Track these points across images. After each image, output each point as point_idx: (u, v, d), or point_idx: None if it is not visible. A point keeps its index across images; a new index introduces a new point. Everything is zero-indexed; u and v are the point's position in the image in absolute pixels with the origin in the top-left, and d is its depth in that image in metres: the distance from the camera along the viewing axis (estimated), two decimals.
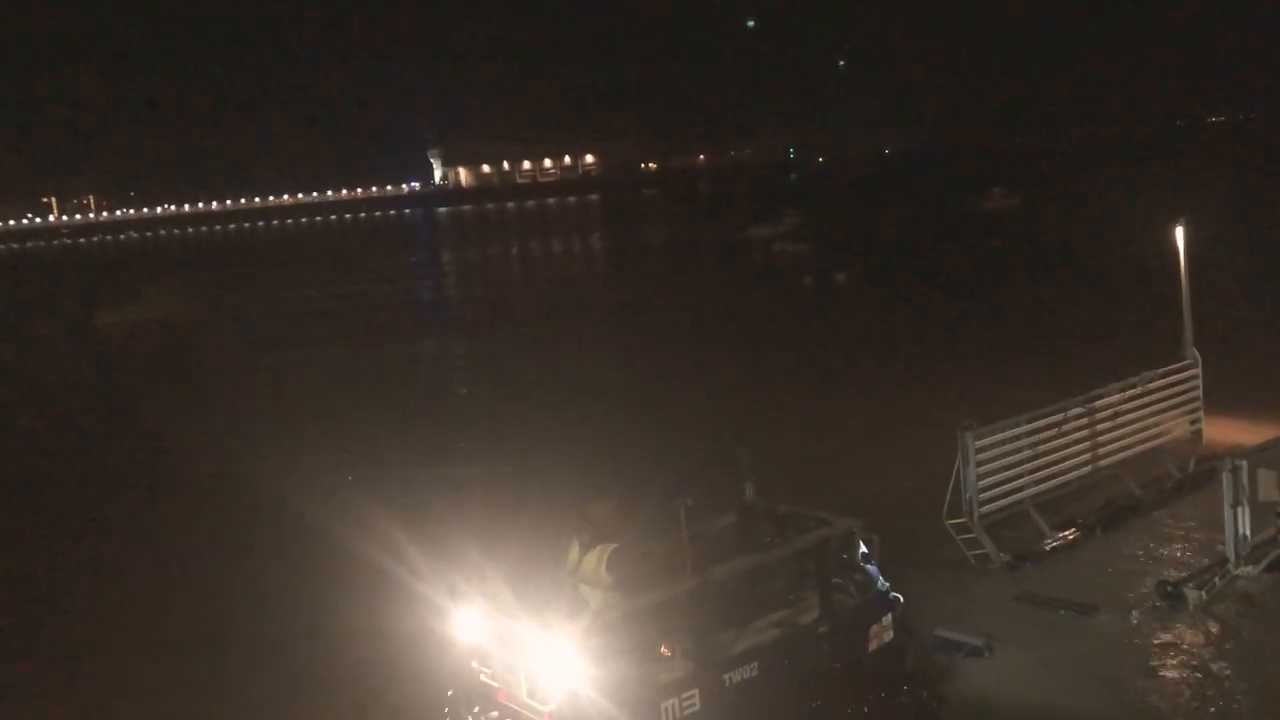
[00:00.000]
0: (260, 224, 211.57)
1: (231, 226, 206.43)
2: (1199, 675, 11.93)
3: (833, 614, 10.57)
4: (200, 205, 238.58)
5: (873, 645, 10.87)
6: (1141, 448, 17.28)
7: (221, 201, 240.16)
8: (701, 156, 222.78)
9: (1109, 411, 16.80)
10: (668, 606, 9.63)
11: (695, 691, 9.59)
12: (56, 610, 17.46)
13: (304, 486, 20.53)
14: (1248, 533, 13.27)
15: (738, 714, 9.75)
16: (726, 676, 9.80)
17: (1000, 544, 15.23)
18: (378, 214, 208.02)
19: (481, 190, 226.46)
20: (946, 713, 11.07)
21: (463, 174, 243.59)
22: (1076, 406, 16.37)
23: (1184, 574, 13.82)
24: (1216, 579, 13.27)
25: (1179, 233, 18.02)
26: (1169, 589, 13.41)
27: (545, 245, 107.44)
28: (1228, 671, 11.93)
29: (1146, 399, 17.40)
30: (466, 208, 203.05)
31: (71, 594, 18.09)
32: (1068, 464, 16.44)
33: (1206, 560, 14.17)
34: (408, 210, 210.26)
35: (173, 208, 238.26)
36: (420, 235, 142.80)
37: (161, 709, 13.54)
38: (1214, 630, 12.79)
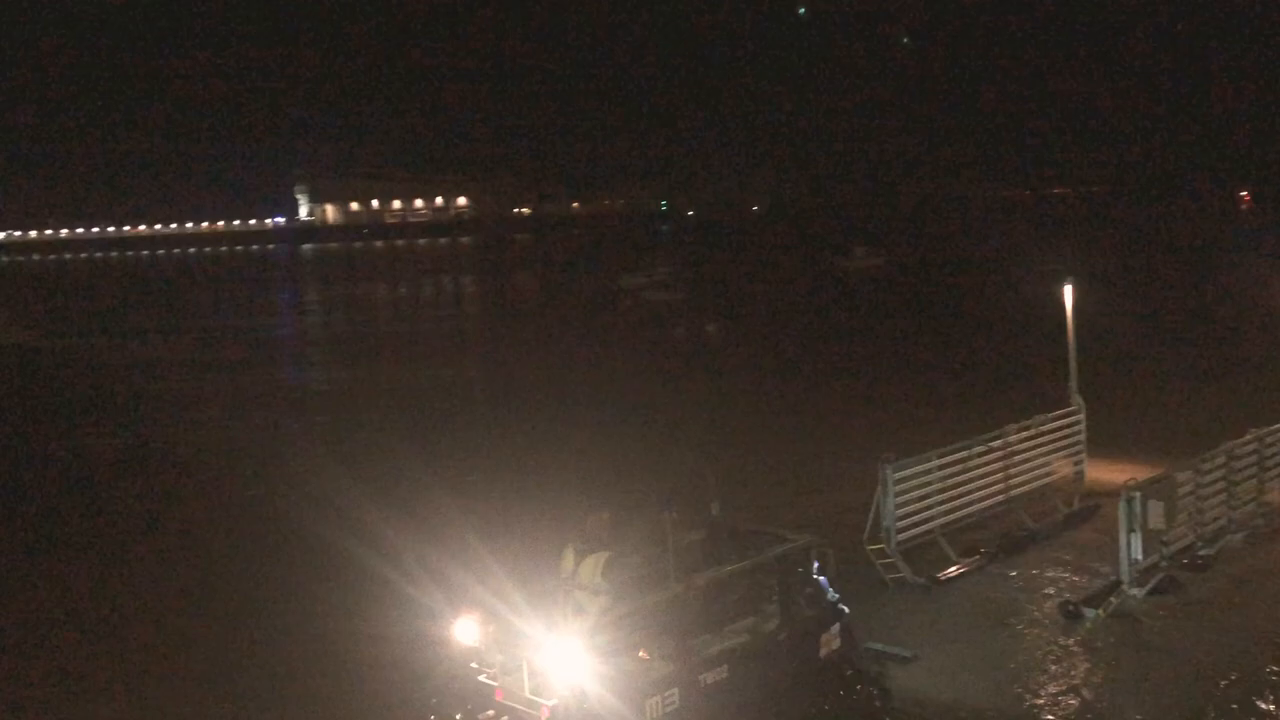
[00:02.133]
0: (115, 254, 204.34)
1: (83, 255, 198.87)
2: (1095, 680, 13.42)
3: (792, 622, 11.61)
4: (50, 232, 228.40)
5: (824, 651, 11.95)
6: (1034, 484, 18.96)
7: (72, 229, 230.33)
8: (575, 204, 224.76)
9: (1006, 451, 18.44)
10: (656, 610, 10.50)
11: (676, 690, 10.48)
12: None
13: None
14: (1139, 557, 14.89)
15: (711, 711, 10.66)
16: (702, 677, 10.72)
17: (913, 568, 16.59)
18: (238, 248, 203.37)
19: (349, 228, 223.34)
20: (887, 710, 12.17)
21: (330, 210, 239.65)
22: (980, 445, 17.95)
23: (1081, 595, 15.37)
24: (1112, 598, 14.84)
25: (1067, 291, 19.95)
26: (1070, 608, 14.93)
27: (412, 287, 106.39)
28: (1117, 676, 13.46)
29: (1038, 441, 19.13)
30: (333, 245, 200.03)
31: None
32: (971, 497, 17.97)
33: (1097, 583, 15.77)
34: (270, 246, 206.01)
35: (18, 234, 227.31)
36: (281, 271, 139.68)
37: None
38: (1109, 642, 14.34)
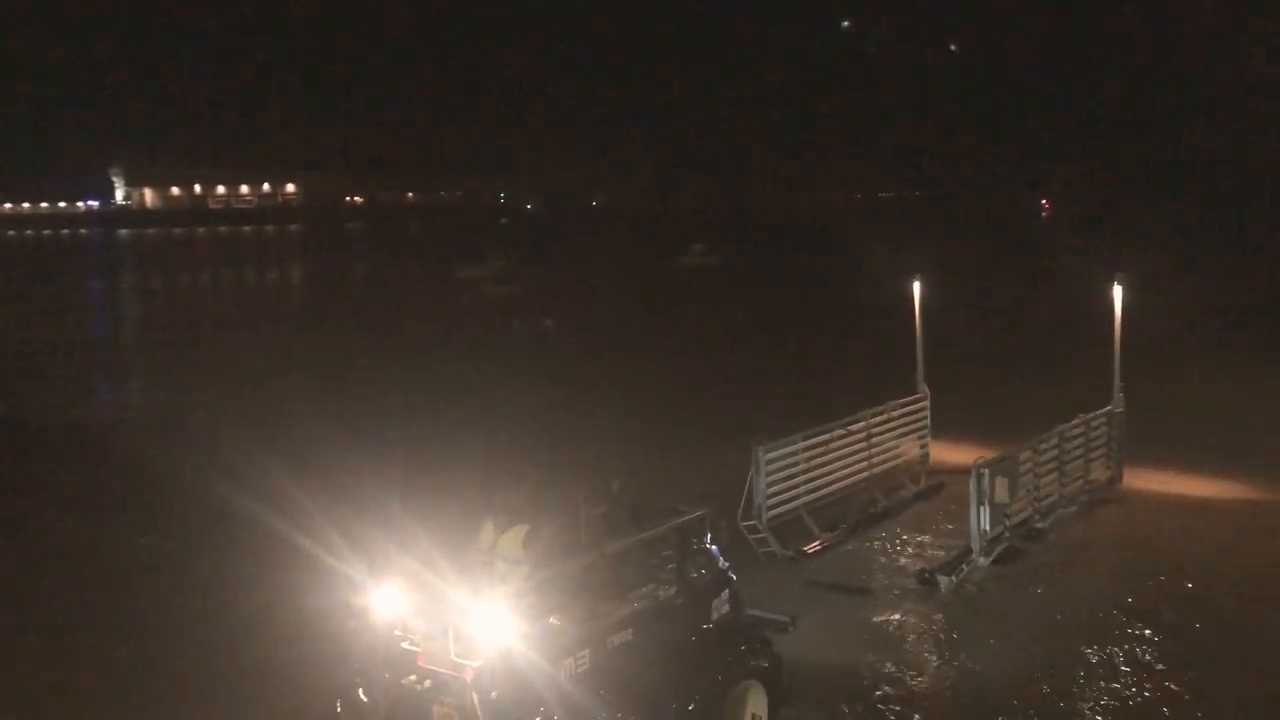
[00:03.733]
0: None
1: None
2: (952, 638, 14.88)
3: (688, 588, 12.49)
4: None
5: (715, 615, 12.88)
6: (887, 465, 20.49)
7: None
8: (410, 194, 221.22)
9: (864, 434, 19.89)
10: (570, 578, 11.19)
11: (587, 651, 11.20)
12: None
13: None
14: (986, 528, 16.44)
15: (618, 672, 11.43)
16: (610, 639, 11.48)
17: (781, 542, 17.79)
18: (47, 232, 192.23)
19: (169, 214, 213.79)
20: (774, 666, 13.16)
21: (149, 195, 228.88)
22: (841, 428, 19.33)
23: (935, 564, 16.84)
24: (964, 566, 16.34)
25: (915, 286, 21.59)
26: (926, 575, 16.36)
27: (236, 275, 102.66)
28: (969, 635, 14.93)
29: (890, 425, 20.67)
30: (151, 231, 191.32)
31: None
32: (831, 477, 19.32)
33: (948, 553, 17.30)
34: (84, 230, 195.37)
35: None
36: (96, 257, 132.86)
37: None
38: (962, 605, 15.84)
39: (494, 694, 10.53)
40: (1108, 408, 20.39)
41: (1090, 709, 12.86)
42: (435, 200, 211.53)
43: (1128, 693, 13.25)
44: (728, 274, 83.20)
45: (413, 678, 11.05)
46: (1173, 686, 13.30)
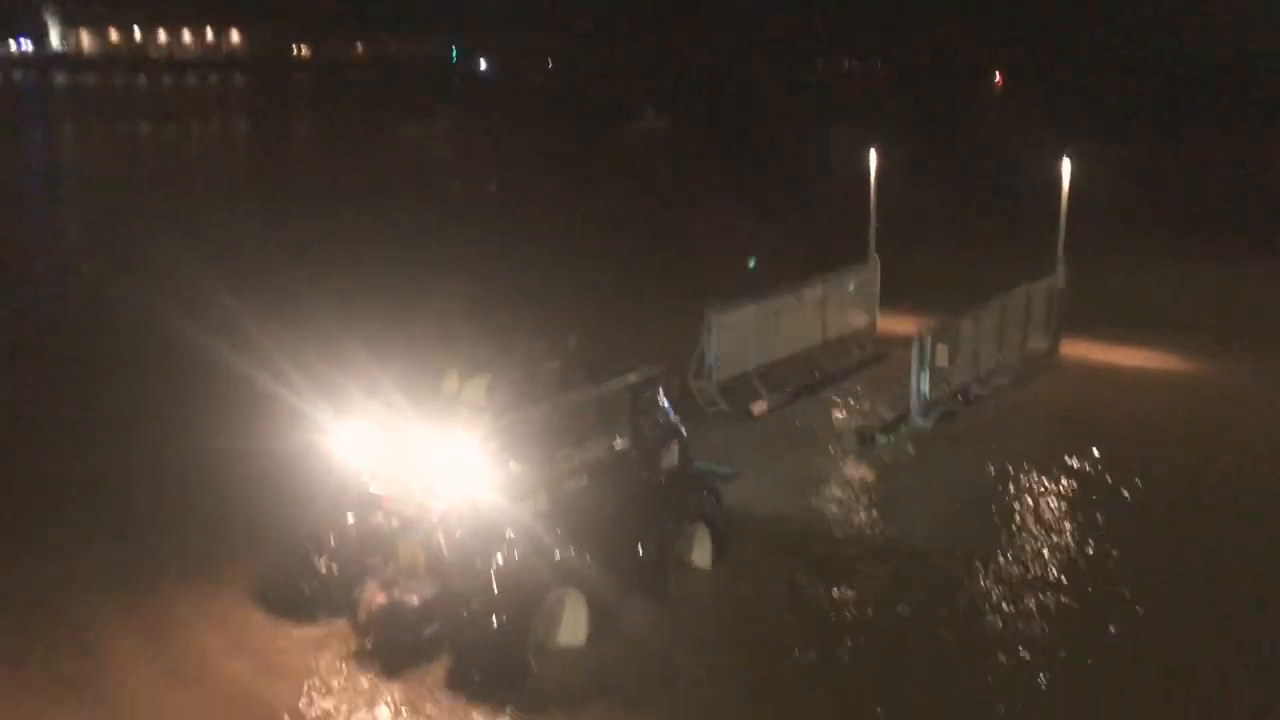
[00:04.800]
0: None
1: None
2: (885, 491, 15.91)
3: (640, 441, 13.12)
4: None
5: (665, 465, 13.57)
6: (834, 333, 21.14)
7: None
8: (359, 46, 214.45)
9: (813, 302, 20.47)
10: (530, 424, 11.74)
11: (544, 494, 11.84)
12: None
13: None
14: (926, 392, 17.21)
15: (573, 515, 12.09)
16: (565, 484, 12.11)
17: (730, 401, 18.50)
18: None
19: (107, 59, 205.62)
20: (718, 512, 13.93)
21: (85, 38, 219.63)
22: (792, 296, 19.89)
23: (875, 425, 17.66)
24: (902, 426, 17.17)
25: (871, 156, 21.91)
26: (865, 435, 17.18)
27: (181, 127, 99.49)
28: (901, 488, 15.98)
29: (839, 293, 21.24)
30: (89, 79, 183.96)
31: None
32: (781, 342, 19.95)
33: (888, 415, 18.12)
34: (17, 76, 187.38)
35: None
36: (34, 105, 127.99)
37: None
38: (897, 462, 16.78)
39: (459, 533, 11.17)
40: (1049, 279, 21.08)
41: (1007, 559, 13.84)
42: (384, 53, 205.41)
43: (1043, 544, 14.26)
44: (679, 140, 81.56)
45: (379, 518, 11.66)
46: (1090, 541, 14.34)
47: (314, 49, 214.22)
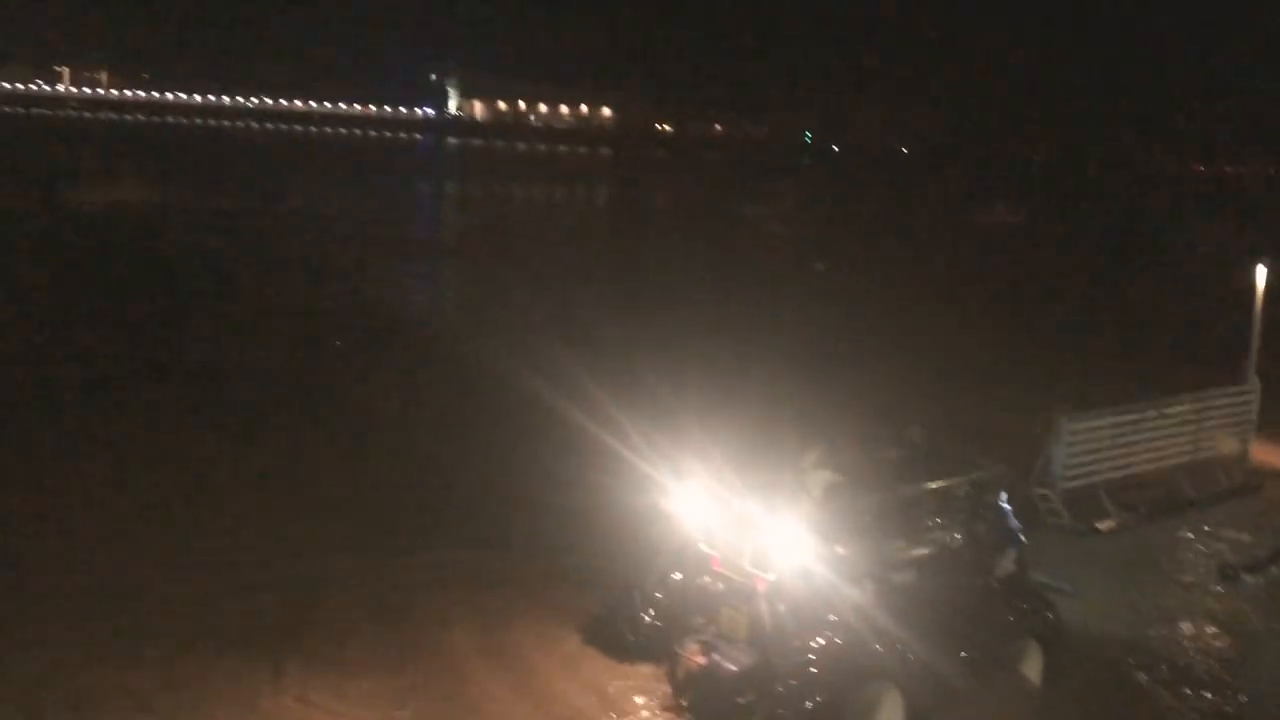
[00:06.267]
0: (268, 125, 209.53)
1: (238, 124, 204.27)
2: (1242, 634, 14.36)
3: (975, 541, 12.64)
4: (210, 98, 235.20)
5: (1000, 572, 12.97)
6: (1198, 455, 19.48)
7: (231, 96, 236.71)
8: (718, 126, 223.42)
9: (1178, 419, 19.00)
10: (863, 511, 11.65)
11: (870, 584, 11.64)
12: None
13: None
14: None
15: (898, 610, 11.80)
16: (893, 577, 11.86)
17: (1072, 515, 17.42)
18: (376, 134, 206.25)
19: (493, 127, 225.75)
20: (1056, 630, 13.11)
21: (478, 107, 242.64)
22: (1155, 410, 18.57)
23: (1241, 561, 16.05)
24: (1273, 567, 15.51)
25: (1259, 270, 20.17)
26: (1228, 570, 15.65)
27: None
28: (1263, 637, 14.37)
29: (1208, 413, 19.59)
30: (476, 142, 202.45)
31: None
32: (1137, 458, 18.62)
33: (1259, 553, 16.42)
34: (418, 136, 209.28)
35: (183, 96, 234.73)
36: (429, 162, 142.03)
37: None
38: (1263, 606, 15.08)
39: (782, 606, 11.22)
40: None
41: None
42: (741, 134, 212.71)
43: None
44: (1032, 235, 78.03)
45: (707, 579, 11.93)
46: None
47: (676, 127, 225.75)
